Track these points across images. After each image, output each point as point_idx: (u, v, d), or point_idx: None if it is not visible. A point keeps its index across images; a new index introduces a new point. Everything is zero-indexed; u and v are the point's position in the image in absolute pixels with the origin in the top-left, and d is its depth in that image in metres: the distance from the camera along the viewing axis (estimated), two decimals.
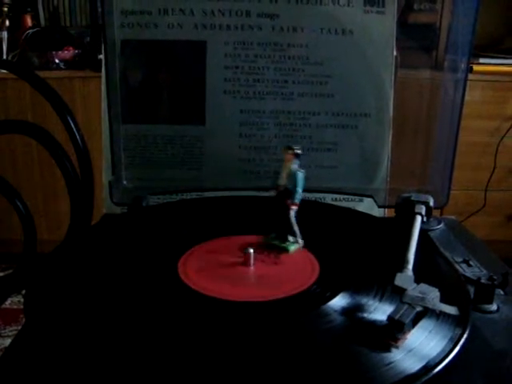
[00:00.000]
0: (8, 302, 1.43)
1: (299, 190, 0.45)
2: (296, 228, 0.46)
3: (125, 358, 0.32)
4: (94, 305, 0.38)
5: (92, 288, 0.40)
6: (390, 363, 0.32)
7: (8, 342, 1.32)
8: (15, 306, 1.45)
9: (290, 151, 0.45)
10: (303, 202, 0.61)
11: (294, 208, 0.46)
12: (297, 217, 0.46)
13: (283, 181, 0.46)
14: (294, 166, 0.46)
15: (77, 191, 0.56)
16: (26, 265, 0.56)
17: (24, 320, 0.38)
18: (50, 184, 1.70)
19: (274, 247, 0.46)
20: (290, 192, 0.46)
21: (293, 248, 0.46)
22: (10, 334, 1.39)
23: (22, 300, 0.38)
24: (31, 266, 0.55)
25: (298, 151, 0.45)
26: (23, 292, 0.39)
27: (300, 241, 0.47)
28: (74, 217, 0.56)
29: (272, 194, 0.47)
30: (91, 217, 0.58)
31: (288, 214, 0.46)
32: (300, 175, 0.45)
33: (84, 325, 0.36)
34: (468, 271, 0.46)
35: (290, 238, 0.46)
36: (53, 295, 0.39)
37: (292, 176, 0.45)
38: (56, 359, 0.32)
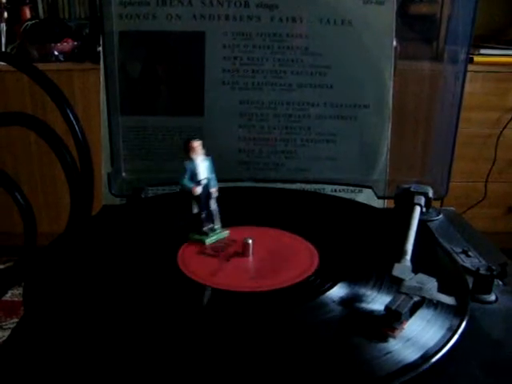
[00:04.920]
0: (9, 294, 1.44)
1: (214, 175, 0.47)
2: (217, 213, 0.47)
3: (124, 352, 0.32)
4: (93, 296, 0.38)
5: (91, 279, 0.40)
6: (388, 353, 0.32)
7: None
8: (16, 299, 1.45)
9: (198, 141, 0.45)
10: (303, 192, 0.62)
11: (216, 193, 0.47)
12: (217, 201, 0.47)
13: (203, 174, 0.46)
14: (202, 155, 0.46)
15: (76, 183, 0.56)
16: (27, 257, 0.56)
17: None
18: (49, 176, 1.70)
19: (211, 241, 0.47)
20: (209, 182, 0.46)
21: (225, 232, 0.47)
22: (11, 326, 1.39)
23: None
24: (32, 258, 0.56)
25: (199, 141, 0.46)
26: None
27: (219, 223, 0.47)
28: (74, 209, 0.56)
29: (196, 191, 0.46)
30: (91, 209, 0.58)
31: (212, 201, 0.47)
32: (210, 161, 0.46)
33: (83, 316, 0.36)
34: (467, 262, 0.46)
35: (214, 226, 0.47)
36: (52, 286, 0.39)
37: (206, 166, 0.46)
38: (55, 350, 0.32)
